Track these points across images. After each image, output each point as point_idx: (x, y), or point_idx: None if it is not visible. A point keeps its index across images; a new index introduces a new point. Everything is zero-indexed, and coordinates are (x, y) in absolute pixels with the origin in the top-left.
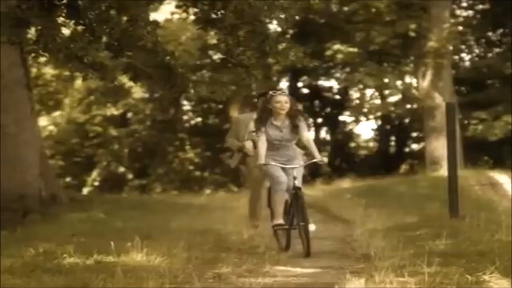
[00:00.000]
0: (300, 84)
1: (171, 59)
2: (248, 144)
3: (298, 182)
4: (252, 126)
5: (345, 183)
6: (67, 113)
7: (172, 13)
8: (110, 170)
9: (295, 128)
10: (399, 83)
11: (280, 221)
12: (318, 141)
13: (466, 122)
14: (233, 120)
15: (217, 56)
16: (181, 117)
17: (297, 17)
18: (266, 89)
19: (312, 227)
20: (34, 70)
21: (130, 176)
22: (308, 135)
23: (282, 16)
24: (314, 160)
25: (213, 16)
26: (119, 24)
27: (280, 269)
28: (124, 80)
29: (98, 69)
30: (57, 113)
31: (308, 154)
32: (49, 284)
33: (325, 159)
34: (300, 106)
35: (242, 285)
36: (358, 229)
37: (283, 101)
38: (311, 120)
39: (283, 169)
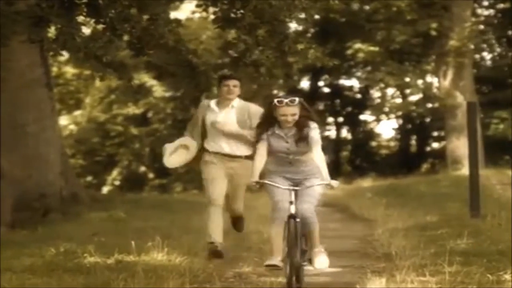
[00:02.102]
0: (321, 83)
1: (194, 57)
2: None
3: (301, 207)
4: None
5: (366, 182)
6: (87, 112)
7: (193, 12)
8: (131, 169)
9: (303, 139)
10: (420, 82)
11: (273, 261)
12: (339, 141)
13: (487, 121)
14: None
15: (236, 55)
16: None
17: (317, 16)
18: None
19: (322, 263)
20: (54, 69)
21: (150, 175)
22: (319, 151)
23: (302, 16)
24: (318, 183)
25: (233, 15)
26: (139, 23)
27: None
28: (145, 79)
29: (116, 68)
30: (78, 112)
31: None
32: (69, 283)
33: (335, 183)
34: (314, 114)
35: (263, 285)
36: (379, 228)
37: (288, 113)
38: (331, 119)
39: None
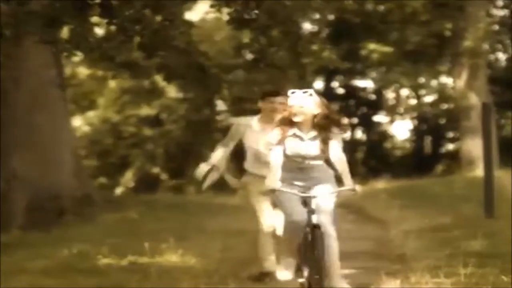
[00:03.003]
0: (335, 84)
1: (204, 59)
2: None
3: (319, 217)
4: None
5: (380, 184)
6: (101, 113)
7: (206, 13)
8: (145, 170)
9: (324, 142)
10: (434, 83)
11: (283, 274)
12: (354, 142)
13: (502, 122)
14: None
15: (251, 56)
16: (215, 118)
17: (331, 17)
18: (277, 88)
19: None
20: (68, 70)
21: (164, 176)
22: (340, 153)
23: (316, 16)
24: (342, 189)
25: (247, 16)
26: (151, 24)
27: None
28: (158, 80)
29: (130, 68)
30: (91, 113)
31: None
32: (83, 285)
33: (358, 187)
34: (335, 114)
35: (278, 285)
36: (393, 230)
37: (296, 104)
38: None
39: (303, 199)
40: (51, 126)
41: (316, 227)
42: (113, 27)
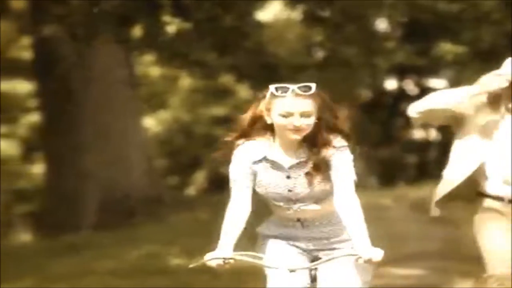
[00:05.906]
0: (406, 84)
1: (275, 59)
2: None
3: None
4: None
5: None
6: (172, 112)
7: (278, 12)
8: (216, 170)
9: (322, 170)
10: None
11: None
12: (426, 141)
13: None
14: None
15: (321, 55)
16: None
17: (404, 17)
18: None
19: None
20: (140, 70)
21: None
22: (351, 193)
23: (391, 13)
24: (347, 254)
25: (320, 13)
26: (224, 23)
27: (386, 270)
28: (229, 79)
29: (203, 67)
30: (162, 113)
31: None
32: (152, 285)
33: (376, 255)
34: (343, 120)
35: None
36: (463, 230)
37: (296, 111)
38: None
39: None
40: (122, 126)
41: None
42: (186, 25)
